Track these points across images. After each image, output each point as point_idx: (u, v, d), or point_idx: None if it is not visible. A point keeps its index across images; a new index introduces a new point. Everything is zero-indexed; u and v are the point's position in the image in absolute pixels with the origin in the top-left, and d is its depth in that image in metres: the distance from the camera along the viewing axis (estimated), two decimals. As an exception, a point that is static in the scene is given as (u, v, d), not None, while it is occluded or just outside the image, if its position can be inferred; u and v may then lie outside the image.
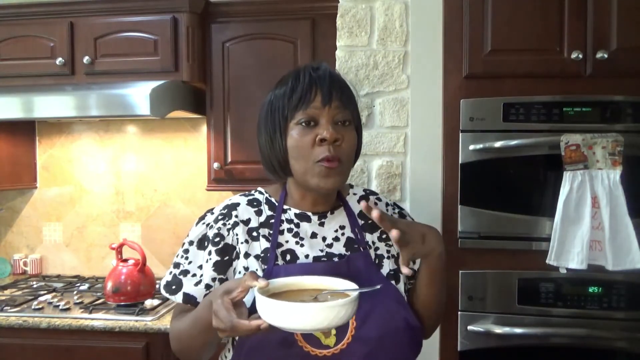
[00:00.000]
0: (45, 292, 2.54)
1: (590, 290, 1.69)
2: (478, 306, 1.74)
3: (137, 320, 2.16)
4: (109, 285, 2.31)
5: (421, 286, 1.16)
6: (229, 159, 2.45)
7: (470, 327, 1.73)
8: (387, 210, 1.24)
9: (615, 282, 1.67)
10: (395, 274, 1.16)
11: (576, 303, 1.69)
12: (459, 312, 1.74)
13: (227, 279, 1.12)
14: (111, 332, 2.14)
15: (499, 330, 1.70)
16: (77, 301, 2.38)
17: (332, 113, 1.08)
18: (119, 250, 2.41)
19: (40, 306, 2.30)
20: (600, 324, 1.68)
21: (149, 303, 2.31)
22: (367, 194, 1.27)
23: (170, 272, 1.16)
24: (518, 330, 1.69)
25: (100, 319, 2.18)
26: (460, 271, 1.74)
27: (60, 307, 2.28)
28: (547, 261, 1.63)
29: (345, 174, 1.12)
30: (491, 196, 1.73)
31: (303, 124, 1.07)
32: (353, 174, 1.84)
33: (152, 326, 2.12)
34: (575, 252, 1.60)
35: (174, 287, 1.14)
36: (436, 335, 1.76)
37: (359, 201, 1.23)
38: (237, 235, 1.13)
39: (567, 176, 1.61)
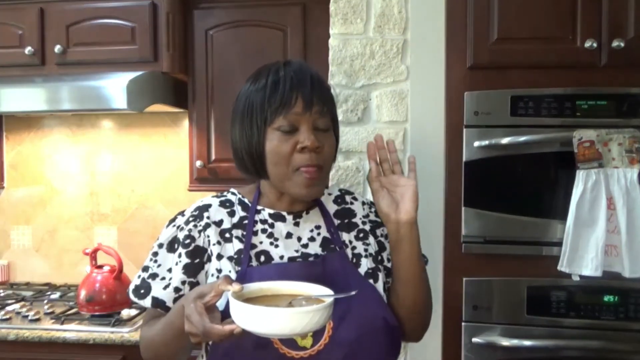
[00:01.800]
0: (14, 301, 2.54)
1: (606, 299, 1.69)
2: (483, 316, 1.73)
3: (112, 332, 2.17)
4: (83, 293, 2.33)
5: (400, 276, 1.21)
6: (213, 157, 2.45)
7: (475, 339, 1.73)
8: (363, 209, 1.31)
9: (632, 290, 1.67)
10: (373, 272, 1.21)
11: (590, 313, 1.69)
12: (463, 323, 1.74)
13: (197, 283, 1.16)
14: (85, 345, 2.14)
15: (506, 342, 1.70)
16: (48, 311, 2.39)
17: (313, 118, 1.14)
18: (93, 255, 2.43)
19: (7, 316, 2.31)
20: (616, 335, 1.67)
21: (126, 313, 2.33)
22: (343, 194, 1.33)
23: (139, 276, 1.20)
24: (527, 343, 1.69)
25: (73, 331, 2.18)
26: (464, 278, 1.74)
27: (30, 318, 2.29)
28: (558, 268, 1.63)
29: (325, 181, 1.20)
30: (498, 197, 1.73)
31: (283, 130, 1.13)
32: (348, 173, 1.83)
33: (129, 338, 2.15)
34: (589, 258, 1.60)
35: (142, 291, 1.17)
36: (438, 347, 1.77)
37: (334, 201, 1.30)
38: (208, 237, 1.18)
39: (580, 175, 1.61)
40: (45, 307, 2.43)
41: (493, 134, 1.69)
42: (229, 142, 2.27)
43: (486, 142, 1.69)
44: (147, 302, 1.16)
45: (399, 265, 1.18)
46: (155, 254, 1.20)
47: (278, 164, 1.13)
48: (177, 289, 1.15)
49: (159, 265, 1.18)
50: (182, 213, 1.24)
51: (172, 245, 1.19)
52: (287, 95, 1.12)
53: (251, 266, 1.15)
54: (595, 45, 1.66)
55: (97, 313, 2.29)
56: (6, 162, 2.95)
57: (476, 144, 1.70)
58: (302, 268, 1.14)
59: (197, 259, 1.16)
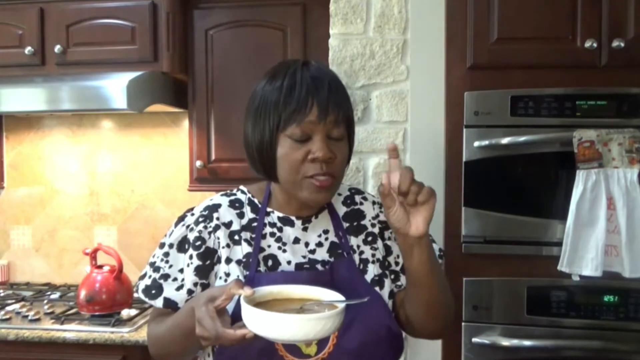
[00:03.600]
0: (13, 301, 2.52)
1: (606, 299, 1.68)
2: (483, 317, 1.73)
3: (112, 332, 2.14)
4: (83, 293, 2.30)
5: (412, 279, 1.13)
6: (213, 157, 2.43)
7: (475, 340, 1.72)
8: (373, 209, 1.27)
9: (632, 290, 1.66)
10: (379, 279, 1.19)
11: (590, 313, 1.69)
12: (463, 323, 1.74)
13: (208, 284, 1.16)
14: (85, 345, 2.12)
15: (506, 342, 1.70)
16: (48, 311, 2.37)
17: (327, 128, 1.09)
18: (93, 255, 2.39)
19: (7, 316, 2.29)
20: (616, 335, 1.67)
21: (126, 313, 2.29)
22: (353, 194, 1.29)
23: (150, 276, 1.18)
24: (527, 343, 1.69)
25: (73, 331, 2.16)
26: (464, 279, 1.74)
27: (30, 318, 2.27)
28: (558, 268, 1.63)
29: (336, 188, 1.16)
30: (498, 197, 1.73)
31: (296, 139, 1.09)
32: (348, 173, 1.83)
33: (129, 338, 2.11)
34: (589, 258, 1.60)
35: (153, 291, 1.16)
36: (438, 348, 1.76)
37: (344, 203, 1.26)
38: (218, 238, 1.17)
39: (580, 175, 1.61)
40: (45, 307, 2.40)
41: (493, 134, 1.69)
42: (229, 142, 2.36)
43: (486, 142, 1.69)
44: (158, 303, 1.15)
45: (410, 269, 1.12)
46: (167, 254, 1.18)
47: (288, 171, 1.10)
48: (189, 291, 1.14)
49: (170, 266, 1.17)
50: (191, 212, 1.22)
51: (182, 246, 1.17)
52: (302, 101, 1.08)
53: (259, 272, 1.13)
54: (595, 45, 1.65)
55: (97, 313, 2.26)
56: (6, 162, 2.91)
57: (476, 144, 1.70)
58: (310, 277, 1.12)
59: (208, 260, 1.15)
